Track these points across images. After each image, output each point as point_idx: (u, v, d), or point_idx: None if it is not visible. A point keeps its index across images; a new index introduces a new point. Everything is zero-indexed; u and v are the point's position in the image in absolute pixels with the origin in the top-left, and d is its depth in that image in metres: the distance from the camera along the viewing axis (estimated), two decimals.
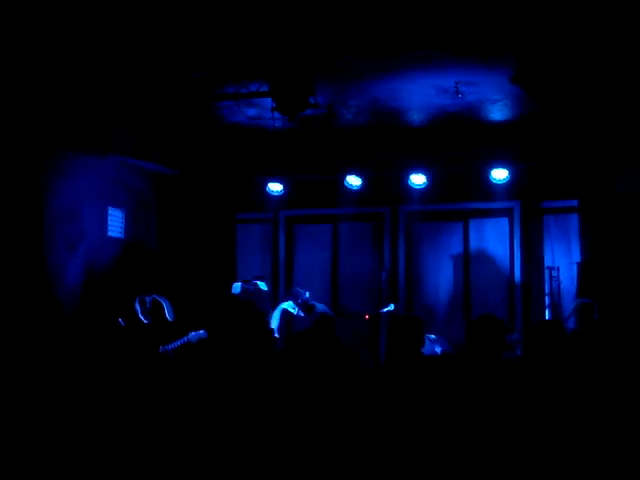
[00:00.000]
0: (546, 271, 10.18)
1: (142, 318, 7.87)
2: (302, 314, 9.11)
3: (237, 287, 9.98)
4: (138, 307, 7.94)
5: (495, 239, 10.92)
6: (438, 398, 3.82)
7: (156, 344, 7.43)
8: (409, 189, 10.54)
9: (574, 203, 10.40)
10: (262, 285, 10.10)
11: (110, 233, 10.21)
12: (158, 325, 7.73)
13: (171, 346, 7.38)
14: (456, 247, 11.07)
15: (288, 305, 9.35)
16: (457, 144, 10.06)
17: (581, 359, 4.06)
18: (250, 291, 9.96)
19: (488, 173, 10.05)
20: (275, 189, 11.03)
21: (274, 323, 9.46)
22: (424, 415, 3.71)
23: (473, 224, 11.03)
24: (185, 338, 7.36)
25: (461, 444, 3.55)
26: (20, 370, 5.02)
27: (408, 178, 10.39)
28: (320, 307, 9.26)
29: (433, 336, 8.79)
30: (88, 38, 6.75)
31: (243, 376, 3.84)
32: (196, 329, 7.46)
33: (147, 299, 7.96)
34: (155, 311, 7.84)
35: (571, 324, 9.29)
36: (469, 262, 11.00)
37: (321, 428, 3.43)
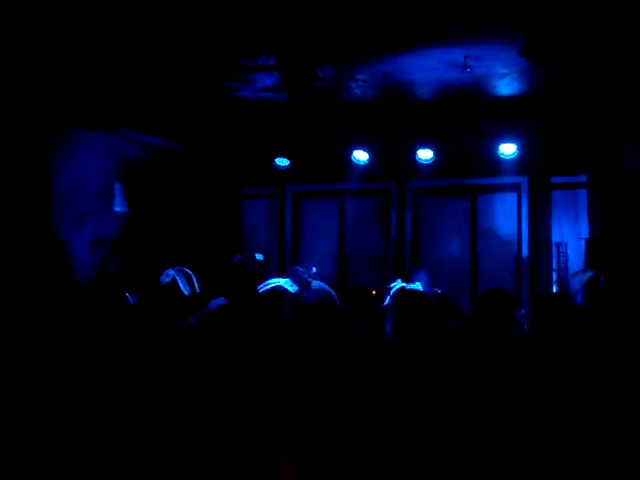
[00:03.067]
0: (554, 247, 10.16)
1: (183, 289, 7.84)
2: (299, 292, 9.02)
3: (235, 260, 9.99)
4: (180, 278, 7.91)
5: (503, 215, 10.90)
6: (447, 375, 3.81)
7: (179, 316, 7.40)
8: (416, 164, 10.50)
9: (582, 179, 10.37)
10: (258, 256, 10.09)
11: (117, 208, 10.22)
12: (181, 298, 7.71)
13: (193, 318, 7.35)
14: (464, 222, 11.05)
15: (286, 283, 9.21)
16: (465, 119, 9.99)
17: (589, 334, 4.05)
18: (249, 264, 9.96)
19: (496, 148, 10.00)
20: (282, 164, 11.00)
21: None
22: (432, 393, 3.71)
23: (481, 199, 11.01)
24: (207, 308, 7.32)
25: (471, 423, 3.55)
26: (26, 344, 5.02)
27: (415, 153, 10.35)
28: (315, 284, 9.19)
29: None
30: (95, 11, 6.69)
31: (253, 353, 3.83)
32: (214, 297, 7.43)
33: (171, 273, 7.94)
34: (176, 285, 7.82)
35: (578, 300, 9.29)
36: (476, 238, 10.98)
37: (329, 404, 3.42)
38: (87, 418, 3.76)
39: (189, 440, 3.38)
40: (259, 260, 10.14)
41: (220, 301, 7.17)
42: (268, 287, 9.16)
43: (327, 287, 9.19)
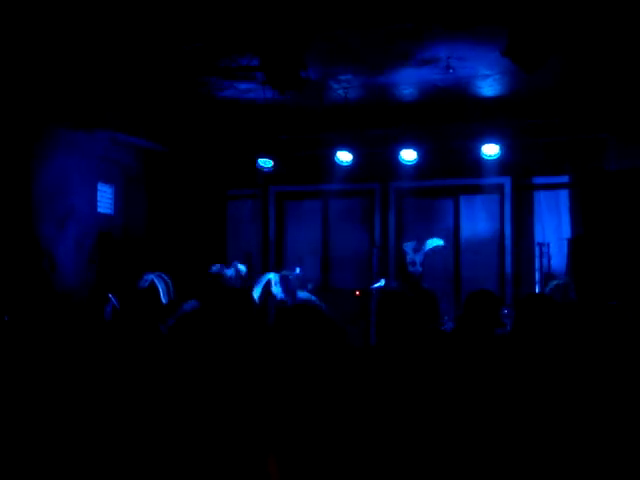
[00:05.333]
0: (536, 247, 10.20)
1: (162, 297, 7.86)
2: (285, 298, 8.98)
3: (215, 268, 9.92)
4: (160, 285, 7.92)
5: (486, 215, 10.93)
6: (431, 375, 3.82)
7: (155, 321, 7.40)
8: (400, 165, 10.51)
9: (565, 179, 10.42)
10: (242, 268, 10.02)
11: (100, 209, 10.17)
12: (159, 303, 7.72)
13: (169, 323, 7.34)
14: (447, 223, 11.07)
15: (274, 276, 9.15)
16: (448, 120, 10.03)
17: (572, 333, 4.07)
18: (229, 274, 9.90)
19: (479, 149, 10.02)
20: (265, 165, 10.99)
21: (256, 292, 9.30)
22: (416, 394, 3.71)
23: (464, 200, 11.04)
24: (180, 311, 7.32)
25: (457, 424, 3.56)
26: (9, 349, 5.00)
27: (399, 154, 10.36)
28: (303, 295, 9.16)
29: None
30: (78, 12, 6.67)
31: (234, 355, 3.82)
32: (187, 300, 7.43)
33: (149, 278, 7.96)
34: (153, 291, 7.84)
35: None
36: (459, 238, 11.01)
37: (312, 407, 3.42)
38: (71, 420, 3.74)
39: (173, 440, 3.37)
40: (241, 271, 10.07)
41: (193, 304, 7.15)
42: (260, 286, 9.15)
43: (315, 298, 9.18)
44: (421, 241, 9.60)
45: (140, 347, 4.77)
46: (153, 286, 8.11)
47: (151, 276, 8.30)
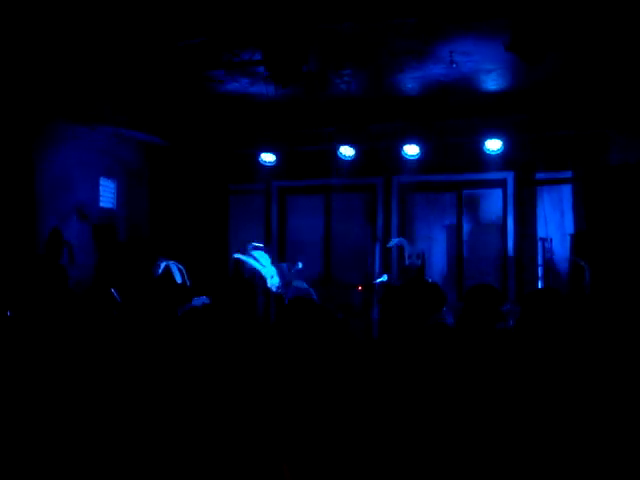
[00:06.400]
0: (539, 242, 10.19)
1: (177, 279, 7.92)
2: (281, 290, 8.98)
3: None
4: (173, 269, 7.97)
5: (488, 210, 10.92)
6: (433, 370, 3.81)
7: (165, 308, 7.42)
8: (403, 160, 10.48)
9: (567, 174, 10.40)
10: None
11: (102, 204, 10.17)
12: (170, 289, 7.78)
13: (179, 311, 7.37)
14: (449, 218, 11.07)
15: (267, 272, 9.13)
16: (451, 114, 10.00)
17: (577, 329, 4.06)
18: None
19: (482, 144, 10.00)
20: (268, 159, 10.96)
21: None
22: (419, 388, 3.71)
23: (467, 195, 11.03)
24: (189, 305, 7.34)
25: (459, 419, 3.55)
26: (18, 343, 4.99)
27: (402, 149, 10.33)
28: (297, 283, 9.16)
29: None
30: (80, 7, 6.66)
31: (238, 349, 3.82)
32: (198, 295, 7.46)
33: (163, 264, 8.01)
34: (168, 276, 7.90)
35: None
36: (462, 233, 11.00)
37: (317, 401, 3.42)
38: (78, 416, 3.74)
39: (181, 442, 3.36)
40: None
41: (204, 299, 7.18)
42: (249, 265, 9.13)
43: (306, 285, 9.19)
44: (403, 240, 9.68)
45: (156, 336, 4.73)
46: (168, 271, 8.16)
47: (165, 262, 8.34)
